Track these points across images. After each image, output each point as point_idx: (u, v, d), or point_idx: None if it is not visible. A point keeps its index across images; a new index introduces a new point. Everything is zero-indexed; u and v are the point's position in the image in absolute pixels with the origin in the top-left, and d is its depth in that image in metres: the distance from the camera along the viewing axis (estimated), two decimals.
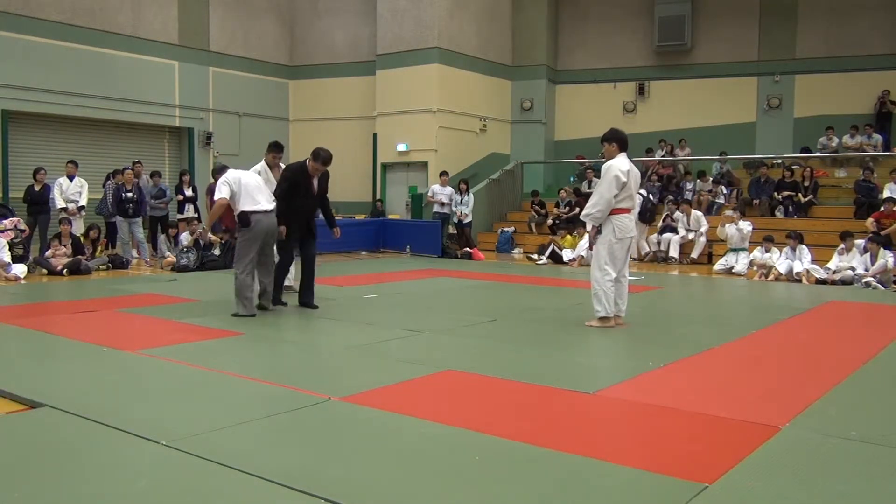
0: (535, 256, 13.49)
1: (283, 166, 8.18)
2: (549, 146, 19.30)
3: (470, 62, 17.74)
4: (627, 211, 6.26)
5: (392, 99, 17.36)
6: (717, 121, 17.87)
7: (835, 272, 10.39)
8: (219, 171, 7.34)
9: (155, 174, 13.76)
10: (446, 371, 4.65)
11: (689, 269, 12.67)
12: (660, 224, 13.97)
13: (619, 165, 6.17)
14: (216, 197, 6.75)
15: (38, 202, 11.96)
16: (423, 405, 3.90)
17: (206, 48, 17.13)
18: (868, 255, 10.27)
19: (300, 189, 7.07)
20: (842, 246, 10.62)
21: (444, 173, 15.28)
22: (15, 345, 5.54)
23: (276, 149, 8.19)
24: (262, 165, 8.11)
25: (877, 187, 13.40)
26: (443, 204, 14.97)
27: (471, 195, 15.01)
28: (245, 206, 6.65)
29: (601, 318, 6.26)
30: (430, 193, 15.38)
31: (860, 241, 10.62)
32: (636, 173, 6.39)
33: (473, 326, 6.42)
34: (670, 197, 14.85)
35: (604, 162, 6.45)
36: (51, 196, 12.10)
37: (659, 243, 13.67)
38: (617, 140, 6.33)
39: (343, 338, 5.92)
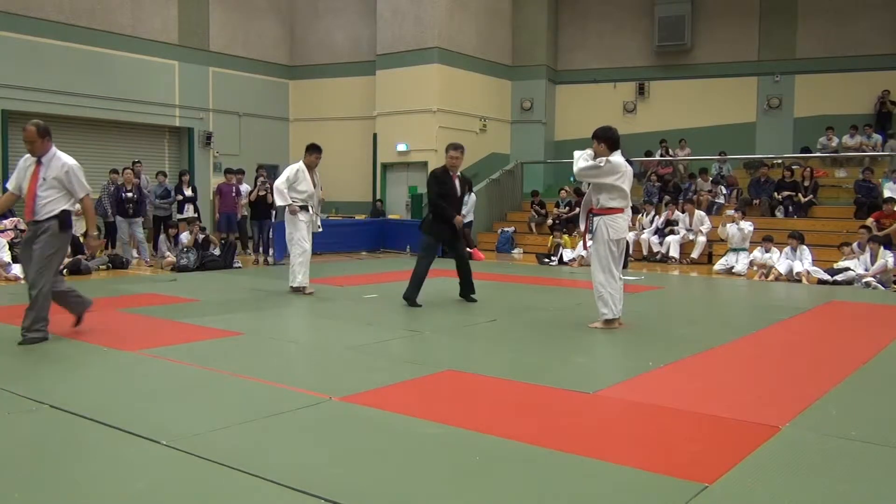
0: (546, 260, 13.44)
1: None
2: (549, 146, 19.30)
3: (470, 62, 17.74)
4: (620, 210, 6.15)
5: (392, 99, 17.36)
6: (717, 121, 17.87)
7: (837, 272, 10.39)
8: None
9: (160, 174, 13.79)
10: (446, 371, 4.65)
11: (690, 269, 12.68)
12: (658, 224, 14.00)
13: (620, 161, 6.10)
14: (82, 194, 5.65)
15: None
16: (423, 405, 3.90)
17: (206, 48, 17.13)
18: (868, 254, 10.29)
19: (448, 190, 7.54)
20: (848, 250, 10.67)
21: None
22: (15, 345, 5.53)
23: (318, 150, 8.35)
24: (300, 165, 8.21)
25: (877, 187, 13.41)
26: None
27: (473, 195, 15.00)
28: (68, 204, 5.65)
29: (607, 321, 6.20)
30: None
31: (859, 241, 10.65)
32: (629, 171, 6.29)
33: (473, 326, 6.42)
34: (668, 198, 14.87)
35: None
36: None
37: (661, 243, 13.69)
38: (606, 139, 6.12)
39: (343, 338, 5.92)
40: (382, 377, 4.48)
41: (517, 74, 19.05)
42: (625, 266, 12.21)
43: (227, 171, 14.10)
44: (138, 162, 13.93)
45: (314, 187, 8.43)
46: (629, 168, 6.29)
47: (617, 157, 6.13)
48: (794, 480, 2.87)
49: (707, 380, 4.64)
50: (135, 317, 6.77)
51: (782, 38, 17.39)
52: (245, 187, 13.92)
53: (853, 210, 13.48)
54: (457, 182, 7.65)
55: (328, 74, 18.89)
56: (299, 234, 8.22)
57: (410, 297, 7.45)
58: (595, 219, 6.17)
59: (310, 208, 8.36)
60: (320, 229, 8.76)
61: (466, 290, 7.84)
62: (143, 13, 15.84)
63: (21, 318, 5.50)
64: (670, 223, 13.82)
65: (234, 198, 13.50)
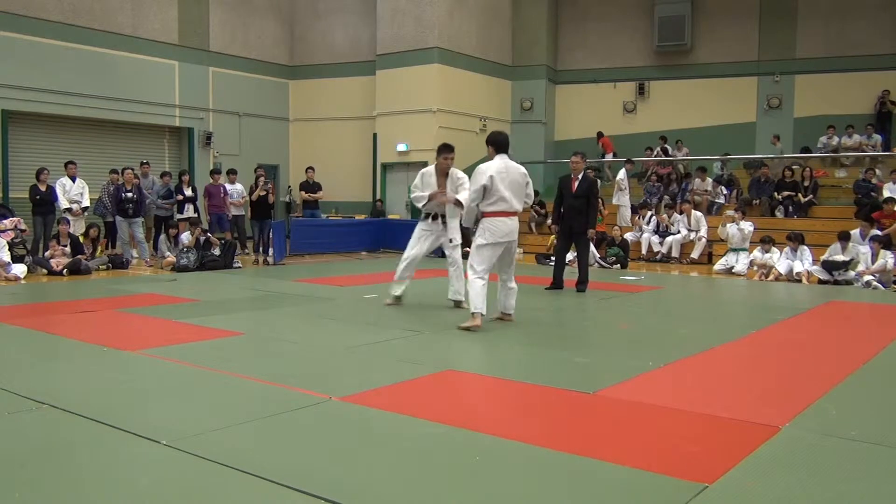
0: (546, 260, 13.46)
1: (459, 172, 7.35)
2: (549, 146, 19.29)
3: (470, 62, 17.74)
4: (501, 214, 6.16)
5: (392, 99, 17.35)
6: (717, 121, 17.87)
7: (838, 266, 10.40)
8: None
9: (165, 174, 13.81)
10: (446, 371, 4.65)
11: (690, 269, 12.68)
12: (654, 225, 14.03)
13: (485, 169, 6.14)
14: None
15: (45, 202, 11.90)
16: (423, 405, 3.90)
17: (206, 48, 17.13)
18: (870, 253, 10.29)
19: (564, 192, 9.04)
20: (836, 245, 10.68)
21: None
22: (15, 345, 5.54)
23: (447, 150, 7.24)
24: (428, 169, 7.53)
25: (877, 187, 13.42)
26: None
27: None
28: None
29: (471, 315, 6.18)
30: None
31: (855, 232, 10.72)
32: (514, 173, 6.24)
33: None
34: (667, 199, 14.86)
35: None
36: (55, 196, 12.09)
37: (661, 243, 13.69)
38: (492, 143, 6.36)
39: (343, 338, 5.92)
40: (382, 377, 4.48)
41: (517, 74, 19.04)
42: (624, 266, 12.32)
43: (213, 172, 14.14)
44: (146, 163, 13.92)
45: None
46: (514, 169, 6.28)
47: (488, 163, 6.17)
48: (794, 480, 2.87)
49: (707, 380, 4.64)
50: (135, 317, 6.77)
51: (782, 38, 17.39)
52: (238, 187, 13.93)
53: (853, 210, 13.48)
54: (575, 184, 8.86)
55: (328, 74, 18.89)
56: (411, 239, 7.60)
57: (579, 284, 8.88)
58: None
59: (431, 217, 7.44)
60: (451, 242, 7.35)
61: (580, 279, 8.95)
62: (143, 13, 15.84)
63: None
64: (668, 228, 13.83)
65: (223, 198, 13.52)
